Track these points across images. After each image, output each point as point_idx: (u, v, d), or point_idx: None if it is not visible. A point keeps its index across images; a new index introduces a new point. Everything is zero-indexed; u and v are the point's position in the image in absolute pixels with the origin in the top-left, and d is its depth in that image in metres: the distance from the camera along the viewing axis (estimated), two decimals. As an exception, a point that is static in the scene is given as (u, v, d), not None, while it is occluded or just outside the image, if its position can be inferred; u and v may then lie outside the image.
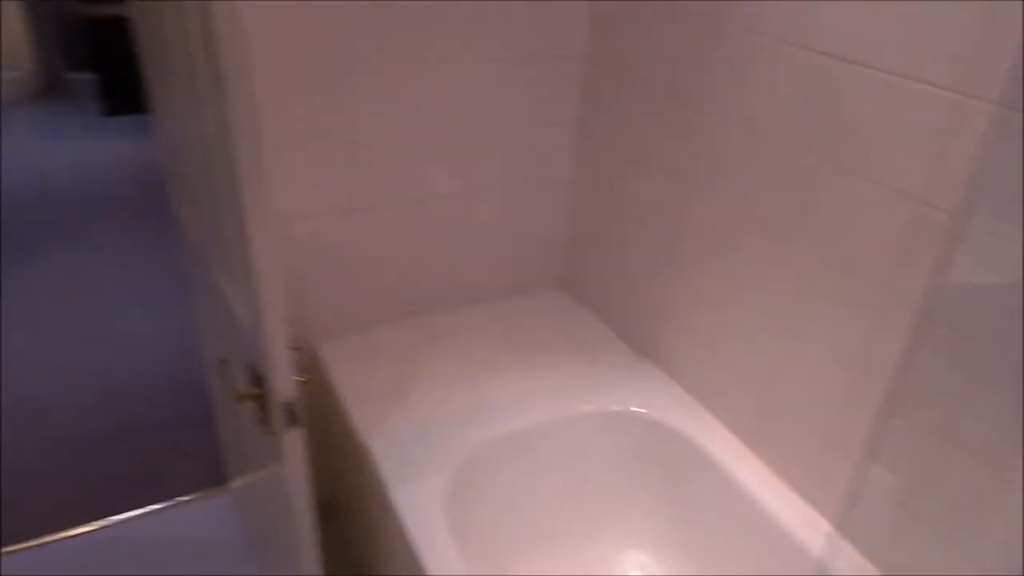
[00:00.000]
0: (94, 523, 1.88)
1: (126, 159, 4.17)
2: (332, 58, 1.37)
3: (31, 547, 1.81)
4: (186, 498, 1.97)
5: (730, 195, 1.29)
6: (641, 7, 1.42)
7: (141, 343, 2.63)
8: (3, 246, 3.21)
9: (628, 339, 1.68)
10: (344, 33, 1.36)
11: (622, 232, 1.62)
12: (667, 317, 1.53)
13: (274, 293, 0.84)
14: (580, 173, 1.73)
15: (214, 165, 0.91)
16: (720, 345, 1.39)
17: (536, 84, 1.59)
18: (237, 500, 1.84)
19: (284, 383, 0.89)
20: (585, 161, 1.70)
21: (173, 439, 2.18)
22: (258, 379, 0.97)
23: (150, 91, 1.36)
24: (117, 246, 3.27)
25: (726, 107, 1.26)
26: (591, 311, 1.80)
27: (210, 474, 2.04)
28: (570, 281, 1.88)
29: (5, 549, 1.79)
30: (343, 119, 1.43)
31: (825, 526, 1.21)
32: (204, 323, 1.53)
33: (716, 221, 1.33)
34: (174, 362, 2.53)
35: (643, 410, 1.46)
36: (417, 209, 1.61)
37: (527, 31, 1.52)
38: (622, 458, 1.50)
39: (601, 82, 1.58)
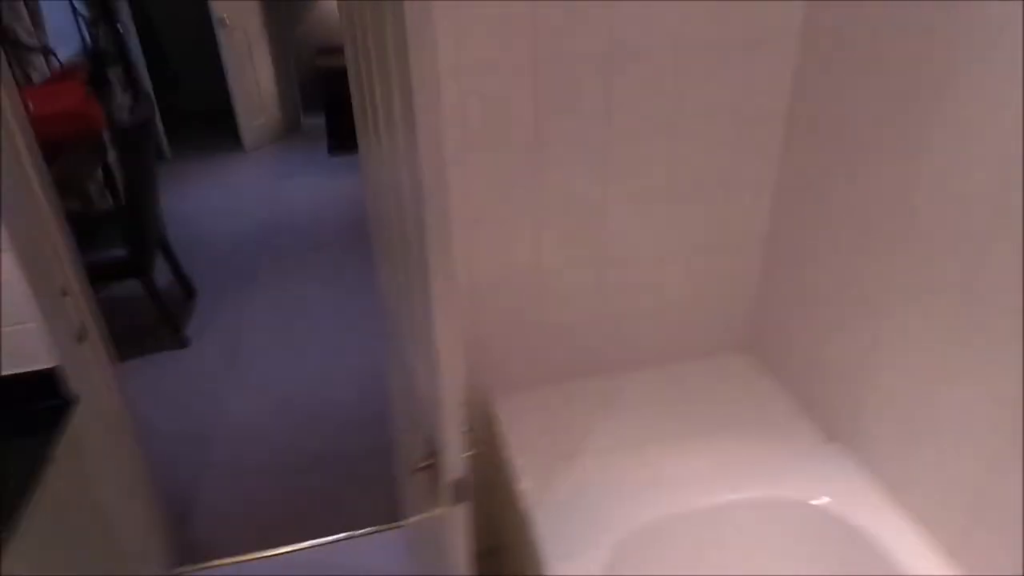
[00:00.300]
0: (273, 550, 2.09)
1: (349, 194, 4.65)
2: (524, 126, 1.44)
3: (203, 569, 2.04)
4: (363, 531, 2.13)
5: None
6: (843, 62, 1.33)
7: (339, 372, 2.91)
8: (231, 273, 3.71)
9: (816, 414, 1.57)
10: (536, 96, 1.42)
11: (818, 292, 1.51)
12: (865, 393, 1.40)
13: (454, 376, 0.90)
14: (777, 230, 1.65)
15: (406, 221, 1.00)
16: (928, 432, 1.24)
17: (734, 142, 1.55)
18: (409, 538, 1.96)
19: (454, 461, 0.95)
20: (783, 217, 1.62)
21: (356, 470, 2.38)
22: (431, 450, 1.04)
23: (359, 137, 1.51)
24: (332, 276, 3.65)
25: (938, 165, 1.14)
26: (777, 379, 1.70)
27: (388, 508, 2.19)
28: (756, 344, 1.79)
29: (192, 568, 2.05)
30: (531, 182, 1.49)
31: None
32: (393, 366, 1.66)
33: (931, 284, 1.21)
34: (366, 393, 2.77)
35: (825, 500, 1.35)
36: (601, 270, 1.63)
37: (725, 87, 1.49)
38: (795, 554, 1.40)
39: (803, 140, 1.51)
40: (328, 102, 5.20)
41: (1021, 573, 0.79)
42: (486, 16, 1.32)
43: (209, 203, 4.61)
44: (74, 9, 4.48)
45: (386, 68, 0.96)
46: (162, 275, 3.38)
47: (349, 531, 2.13)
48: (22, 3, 3.53)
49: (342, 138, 5.28)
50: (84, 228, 3.06)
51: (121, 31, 4.85)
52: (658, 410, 1.62)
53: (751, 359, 1.79)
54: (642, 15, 1.38)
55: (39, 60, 3.66)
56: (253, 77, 5.35)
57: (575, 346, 1.71)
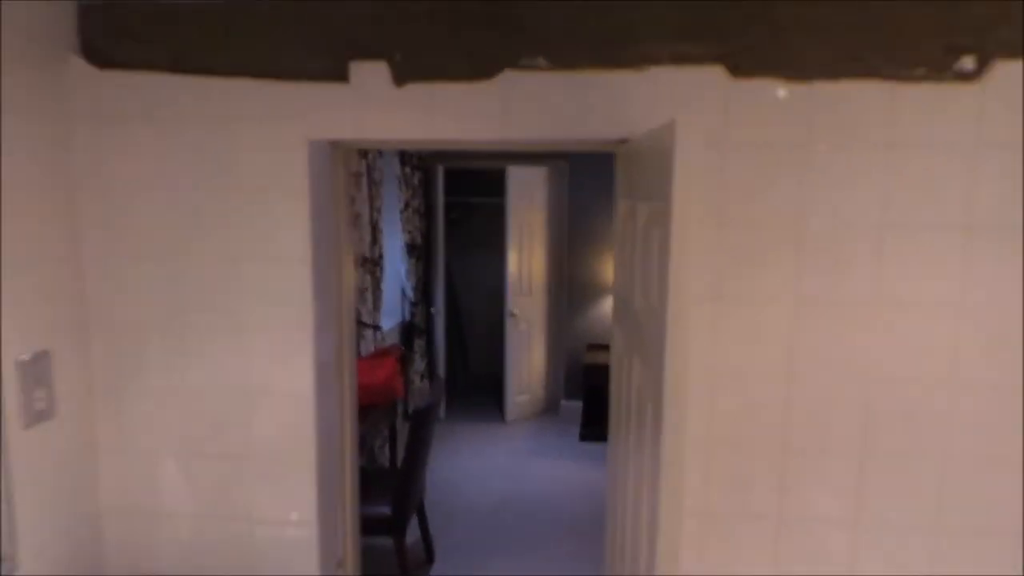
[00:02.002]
0: None
1: (593, 483, 4.80)
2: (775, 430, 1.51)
3: None
4: None
5: None
6: None
7: None
8: (471, 546, 3.92)
9: None
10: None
11: None
12: None
13: None
14: None
15: (640, 516, 1.11)
16: None
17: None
18: None
19: None
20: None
21: None
22: None
23: (611, 431, 1.70)
24: (563, 568, 3.69)
25: None
26: None
27: None
28: None
29: None
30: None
31: None
32: None
33: None
34: None
35: None
36: None
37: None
38: None
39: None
40: (587, 393, 5.62)
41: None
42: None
43: (464, 469, 5.05)
44: (403, 294, 5.61)
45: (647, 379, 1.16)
46: (409, 533, 3.72)
47: None
48: (370, 291, 4.56)
49: (594, 427, 5.59)
50: (365, 482, 3.55)
51: (433, 312, 5.91)
52: None
53: None
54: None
55: (370, 333, 4.60)
56: (527, 359, 6.05)
57: None
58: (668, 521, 1.01)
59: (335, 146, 1.91)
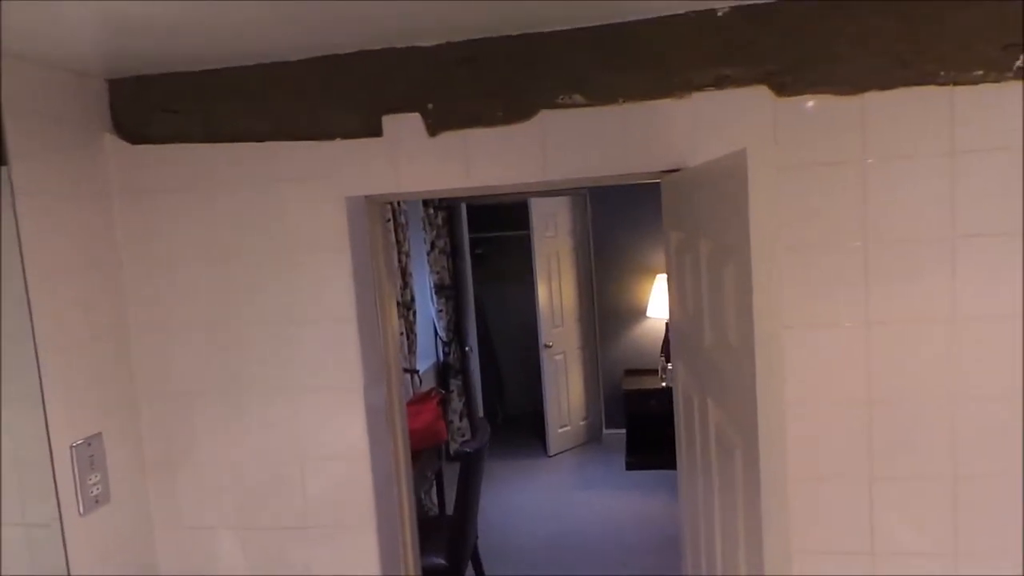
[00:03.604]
0: None
1: (642, 513, 4.68)
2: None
3: None
4: None
5: None
6: None
7: None
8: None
9: None
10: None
11: None
12: None
13: None
14: None
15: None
16: None
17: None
18: None
19: None
20: None
21: None
22: None
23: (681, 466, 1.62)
24: (624, 610, 3.57)
25: None
26: None
27: None
28: None
29: None
30: None
31: None
32: None
33: None
34: None
35: None
36: None
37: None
38: None
39: None
40: (630, 420, 5.51)
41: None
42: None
43: (510, 507, 4.95)
44: (436, 333, 5.57)
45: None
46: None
47: None
48: (404, 336, 4.52)
49: (640, 455, 5.46)
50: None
51: (468, 351, 5.86)
52: None
53: None
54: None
55: (407, 378, 4.56)
56: (565, 390, 5.96)
57: None
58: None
59: (371, 200, 1.89)
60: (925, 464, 1.58)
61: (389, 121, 1.75)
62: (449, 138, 1.74)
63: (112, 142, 1.85)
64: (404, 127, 1.75)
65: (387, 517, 1.95)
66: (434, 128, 1.73)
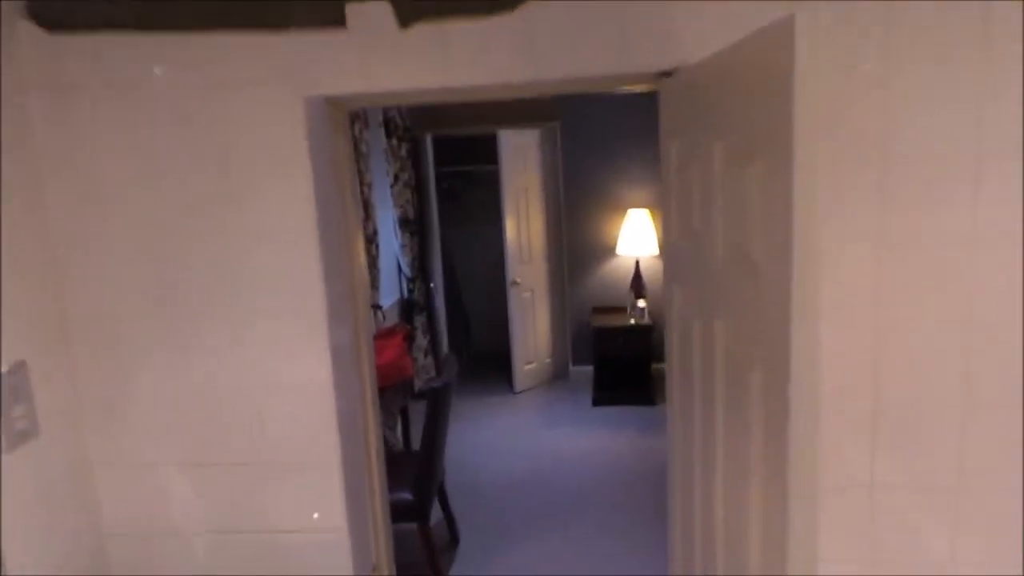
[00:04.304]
0: None
1: (611, 449, 4.65)
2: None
3: None
4: None
5: None
6: None
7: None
8: (494, 523, 3.76)
9: None
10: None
11: None
12: None
13: None
14: None
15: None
16: None
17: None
18: None
19: None
20: None
21: None
22: None
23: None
24: (590, 542, 3.54)
25: None
26: None
27: None
28: None
29: None
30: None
31: None
32: None
33: None
34: None
35: None
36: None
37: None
38: None
39: None
40: (597, 357, 5.45)
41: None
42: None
43: (479, 445, 4.88)
44: (400, 270, 5.38)
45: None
46: (431, 515, 3.54)
47: None
48: (367, 271, 4.32)
49: (607, 391, 5.43)
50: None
51: (432, 287, 5.69)
52: None
53: None
54: None
55: (370, 314, 4.38)
56: (532, 327, 5.86)
57: None
58: (801, 525, 0.82)
59: (334, 105, 1.67)
60: (935, 392, 1.49)
61: (354, 9, 1.53)
62: (424, 31, 1.53)
63: (27, 30, 1.59)
64: (371, 17, 1.53)
65: (352, 455, 1.81)
66: (406, 18, 1.52)
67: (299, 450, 1.73)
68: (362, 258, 1.95)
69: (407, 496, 3.13)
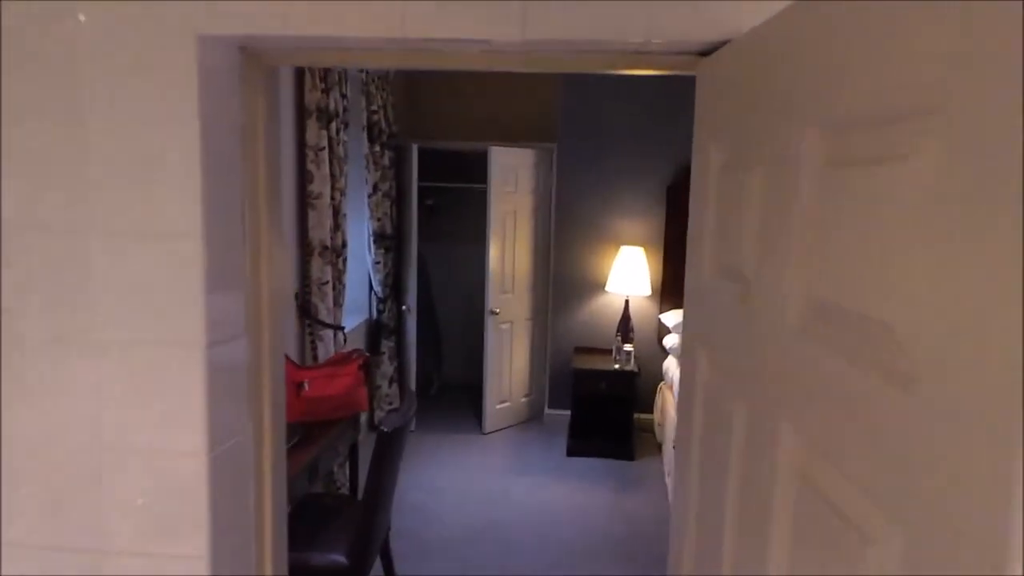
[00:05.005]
0: None
1: (580, 507, 4.18)
2: None
3: None
4: None
5: None
6: None
7: None
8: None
9: None
10: None
11: None
12: None
13: None
14: None
15: None
16: None
17: None
18: None
19: None
20: None
21: None
22: None
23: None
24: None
25: None
26: None
27: None
28: None
29: None
30: None
31: None
32: None
33: None
34: None
35: None
36: None
37: None
38: None
39: None
40: (576, 402, 4.99)
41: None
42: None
43: (436, 491, 4.38)
44: (371, 289, 4.92)
45: None
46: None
47: None
48: (330, 285, 3.87)
49: (583, 441, 4.96)
50: (316, 519, 2.89)
51: (405, 310, 5.22)
52: None
53: None
54: None
55: (329, 334, 3.91)
56: (508, 362, 5.40)
57: None
58: None
59: (250, 54, 1.24)
60: None
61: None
62: (377, -36, 1.10)
63: None
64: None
65: (229, 530, 1.33)
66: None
67: (152, 539, 1.26)
68: (281, 265, 1.50)
69: (340, 559, 2.65)
